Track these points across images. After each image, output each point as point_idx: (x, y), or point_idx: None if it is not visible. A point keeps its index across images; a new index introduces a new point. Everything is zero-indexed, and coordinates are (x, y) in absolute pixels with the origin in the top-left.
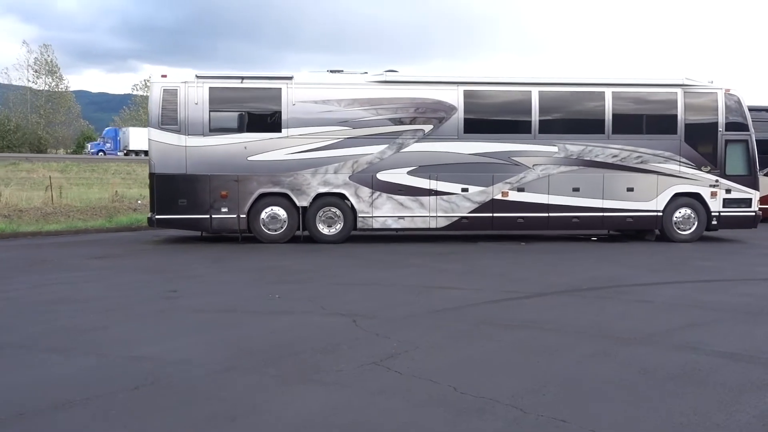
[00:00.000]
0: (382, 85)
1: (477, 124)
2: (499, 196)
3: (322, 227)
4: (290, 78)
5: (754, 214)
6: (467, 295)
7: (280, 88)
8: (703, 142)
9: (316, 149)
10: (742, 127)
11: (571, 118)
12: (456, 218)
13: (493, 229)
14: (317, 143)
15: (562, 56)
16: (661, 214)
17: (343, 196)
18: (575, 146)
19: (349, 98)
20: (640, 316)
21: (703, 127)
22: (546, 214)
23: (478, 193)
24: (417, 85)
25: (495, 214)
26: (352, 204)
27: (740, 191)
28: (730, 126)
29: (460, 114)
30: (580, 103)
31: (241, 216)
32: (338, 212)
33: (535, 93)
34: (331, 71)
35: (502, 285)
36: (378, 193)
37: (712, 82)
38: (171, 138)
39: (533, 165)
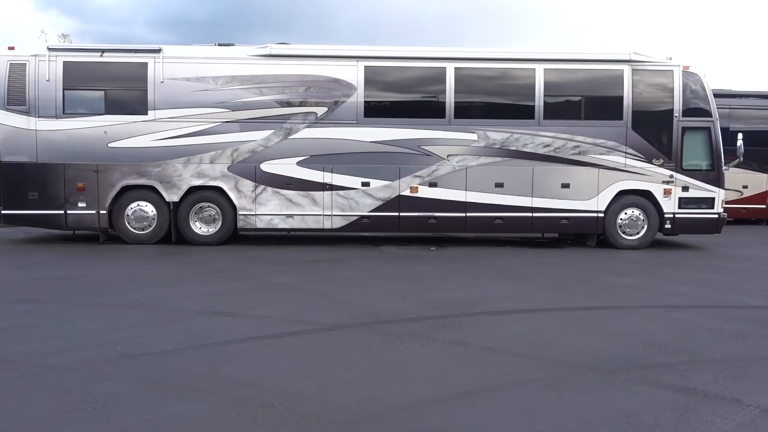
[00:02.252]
0: (266, 60)
1: (380, 107)
2: (406, 192)
3: (198, 226)
4: (158, 51)
5: (717, 216)
6: (233, 327)
7: (146, 63)
8: (654, 129)
9: (189, 135)
10: (704, 112)
11: (494, 100)
12: (355, 217)
13: (400, 230)
14: (190, 128)
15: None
16: (602, 215)
17: (221, 191)
18: (499, 134)
19: (228, 75)
20: (412, 374)
21: (655, 112)
22: (463, 214)
23: (381, 188)
24: (308, 60)
25: (402, 213)
26: (231, 199)
27: (700, 189)
28: (689, 111)
29: (359, 94)
30: (505, 82)
31: (102, 212)
32: (216, 209)
33: (450, 70)
34: (220, 45)
35: (303, 311)
36: (262, 187)
37: (670, 59)
38: (18, 121)
39: (448, 156)
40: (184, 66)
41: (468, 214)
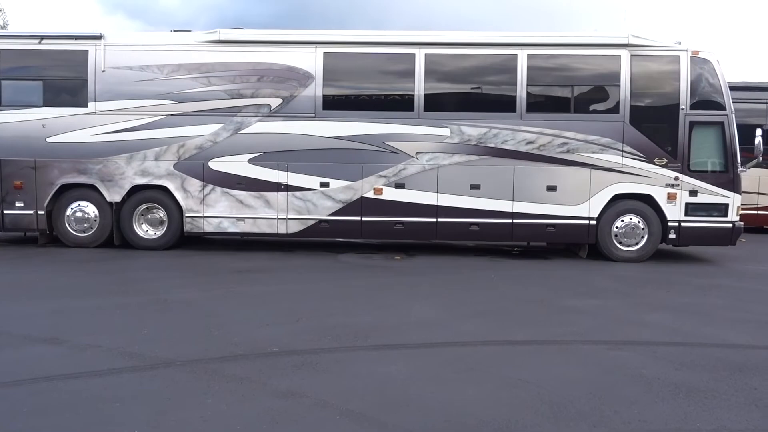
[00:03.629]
0: (215, 47)
1: (341, 99)
2: (370, 194)
3: (144, 229)
4: (99, 37)
5: (731, 225)
6: (43, 360)
7: (87, 51)
8: (657, 124)
9: (132, 129)
10: (716, 104)
11: (469, 90)
12: (312, 221)
13: (363, 236)
14: (133, 121)
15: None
16: (595, 222)
17: (166, 190)
18: (475, 129)
19: (174, 63)
20: None
21: (657, 104)
22: (434, 219)
23: (342, 189)
24: (260, 47)
25: (365, 218)
26: (177, 200)
27: (711, 193)
28: (699, 103)
29: (318, 84)
30: (482, 69)
31: (40, 212)
32: (162, 211)
33: (419, 56)
34: (175, 31)
35: (151, 339)
36: (211, 186)
37: (679, 44)
38: None
39: (417, 153)
40: (128, 54)
41: (439, 220)
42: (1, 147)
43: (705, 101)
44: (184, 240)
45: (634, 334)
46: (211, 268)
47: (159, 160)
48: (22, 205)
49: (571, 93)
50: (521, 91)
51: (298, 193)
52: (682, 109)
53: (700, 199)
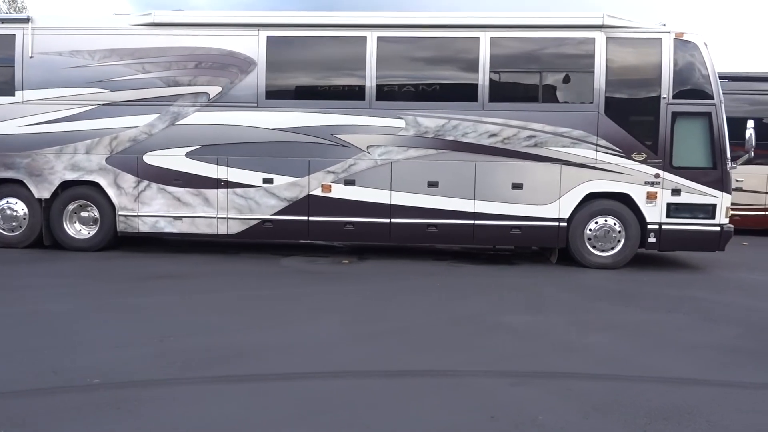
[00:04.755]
0: (150, 30)
1: (285, 87)
2: (317, 191)
3: (77, 228)
4: (27, 20)
5: (719, 228)
6: None
7: (14, 35)
8: (635, 115)
9: (62, 120)
10: (702, 93)
11: (426, 77)
12: (255, 221)
13: (310, 237)
14: (63, 111)
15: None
16: (565, 224)
17: (98, 186)
18: (432, 120)
19: (106, 49)
20: None
21: (636, 92)
22: (387, 220)
23: (287, 186)
24: (198, 30)
25: (312, 218)
26: (109, 197)
27: (696, 193)
28: (683, 92)
29: (260, 71)
30: (440, 54)
31: None
32: (94, 209)
33: (371, 40)
34: (117, 15)
35: None
36: (146, 182)
37: (664, 25)
38: None
39: (368, 147)
40: (58, 38)
41: (393, 220)
42: None
43: (690, 89)
44: (123, 240)
45: (558, 363)
46: (122, 274)
47: (90, 153)
48: None
49: (539, 80)
50: (484, 78)
51: (239, 191)
52: (664, 98)
53: (684, 198)
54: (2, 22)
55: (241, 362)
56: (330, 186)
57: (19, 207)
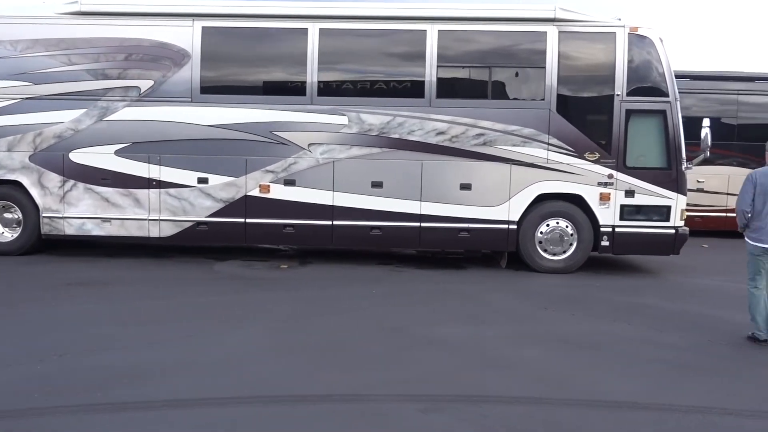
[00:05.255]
0: (77, 19)
1: (221, 81)
2: (255, 192)
3: None
4: None
5: (673, 231)
6: None
7: None
8: (588, 113)
9: None
10: (656, 90)
11: (370, 72)
12: (189, 224)
13: (248, 241)
14: None
15: None
16: (515, 226)
17: (21, 186)
18: (376, 116)
19: (29, 39)
20: None
21: (589, 90)
22: (329, 222)
23: (223, 186)
24: (128, 19)
25: (249, 220)
26: (33, 198)
27: (650, 194)
28: (638, 89)
29: (195, 64)
30: (385, 48)
31: None
32: (17, 210)
33: (313, 31)
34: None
35: None
36: (72, 182)
37: (620, 20)
38: None
39: (309, 145)
40: None
41: (336, 223)
42: None
43: (644, 87)
44: (50, 244)
45: (484, 382)
46: (40, 280)
47: (12, 151)
48: None
49: (488, 76)
50: (431, 73)
51: (172, 191)
52: (618, 95)
53: (638, 200)
54: None
55: (135, 384)
56: (268, 186)
57: None
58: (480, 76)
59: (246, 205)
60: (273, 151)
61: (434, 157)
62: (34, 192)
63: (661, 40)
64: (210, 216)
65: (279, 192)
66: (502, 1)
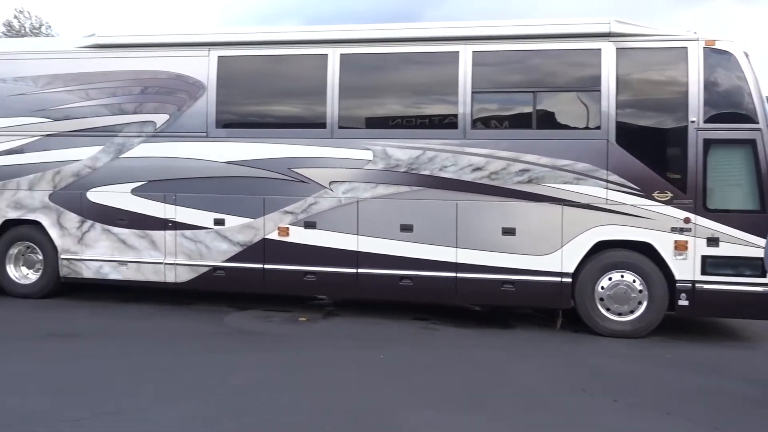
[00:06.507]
0: (94, 53)
1: (237, 114)
2: (273, 235)
3: (23, 272)
4: None
5: None
6: None
7: None
8: (655, 144)
9: (5, 153)
10: (742, 116)
11: (397, 100)
12: (206, 268)
13: (266, 288)
14: (7, 143)
15: None
16: (570, 279)
17: (41, 226)
18: (404, 150)
19: (50, 74)
20: None
21: (656, 116)
22: (354, 270)
23: (240, 228)
24: (143, 51)
25: (267, 266)
26: (52, 238)
27: (740, 242)
28: (719, 115)
29: (210, 96)
30: (413, 72)
31: None
32: (39, 250)
33: (333, 57)
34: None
35: None
36: (90, 222)
37: (694, 33)
38: None
39: (330, 183)
40: (6, 64)
41: (361, 271)
42: None
43: (727, 112)
44: (73, 288)
45: None
46: (14, 328)
47: (33, 189)
48: None
49: (532, 102)
50: (465, 100)
51: (188, 233)
52: (693, 121)
53: (724, 250)
54: None
55: None
56: (287, 229)
57: None
58: (522, 103)
59: (264, 249)
60: (292, 189)
61: (471, 197)
62: (53, 233)
63: (747, 55)
64: (227, 260)
65: (299, 235)
66: (546, 16)
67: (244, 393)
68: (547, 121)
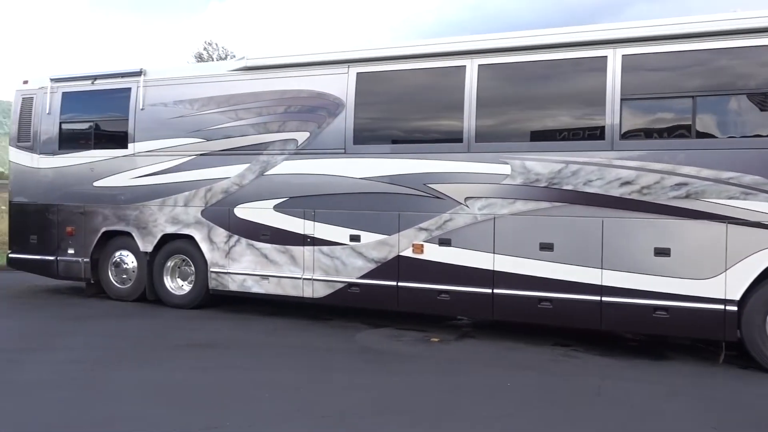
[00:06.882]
0: (244, 75)
1: (374, 130)
2: (408, 252)
3: (178, 283)
4: (140, 73)
5: None
6: None
7: (130, 88)
8: None
9: (164, 171)
10: None
11: (536, 110)
12: (341, 285)
13: (400, 306)
14: (165, 163)
15: None
16: (734, 307)
17: (193, 240)
18: (544, 164)
19: (205, 96)
20: None
21: None
22: (489, 290)
23: (374, 244)
24: (286, 71)
25: (401, 283)
26: (203, 252)
27: None
28: None
29: (348, 112)
30: (556, 80)
31: (85, 260)
32: (191, 263)
33: (471, 68)
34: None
35: None
36: (236, 237)
37: None
38: (25, 158)
39: (466, 199)
40: (165, 89)
41: (497, 291)
42: (60, 191)
43: None
44: (221, 300)
45: None
46: (156, 338)
47: (188, 206)
48: (73, 252)
49: (692, 107)
50: (613, 107)
51: (325, 248)
52: None
53: None
54: (120, 77)
55: None
56: (422, 246)
57: (130, 260)
58: (678, 109)
59: (399, 266)
60: (427, 205)
61: (618, 213)
62: (204, 247)
63: None
64: (361, 277)
65: (433, 253)
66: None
67: (349, 417)
68: (708, 128)
